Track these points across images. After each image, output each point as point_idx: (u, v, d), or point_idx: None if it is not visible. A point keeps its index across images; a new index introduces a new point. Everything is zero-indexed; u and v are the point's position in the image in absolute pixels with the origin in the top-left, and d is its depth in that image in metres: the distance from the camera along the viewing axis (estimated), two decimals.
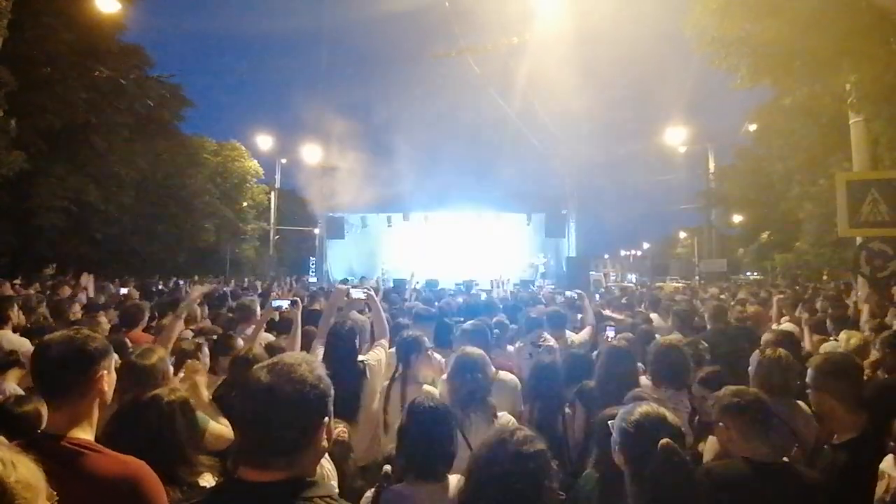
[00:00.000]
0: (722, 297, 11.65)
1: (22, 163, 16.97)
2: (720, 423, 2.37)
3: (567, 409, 3.59)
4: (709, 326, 5.47)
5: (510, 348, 5.20)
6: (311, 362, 1.49)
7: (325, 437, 1.46)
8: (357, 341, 3.95)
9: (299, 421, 1.39)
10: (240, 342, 4.25)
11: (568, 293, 8.45)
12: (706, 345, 5.01)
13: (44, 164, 19.99)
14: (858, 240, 8.67)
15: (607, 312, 7.39)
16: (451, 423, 2.41)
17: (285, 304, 4.55)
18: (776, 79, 8.26)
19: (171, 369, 2.97)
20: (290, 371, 1.41)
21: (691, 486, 1.89)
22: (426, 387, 3.59)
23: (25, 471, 1.13)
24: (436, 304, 7.33)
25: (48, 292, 9.62)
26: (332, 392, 1.49)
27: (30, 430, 2.39)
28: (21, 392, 3.26)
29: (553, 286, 19.13)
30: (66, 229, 21.39)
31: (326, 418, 1.46)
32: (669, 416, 2.02)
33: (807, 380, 2.73)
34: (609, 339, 4.48)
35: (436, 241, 26.87)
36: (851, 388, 2.67)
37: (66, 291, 8.80)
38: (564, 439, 3.41)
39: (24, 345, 4.78)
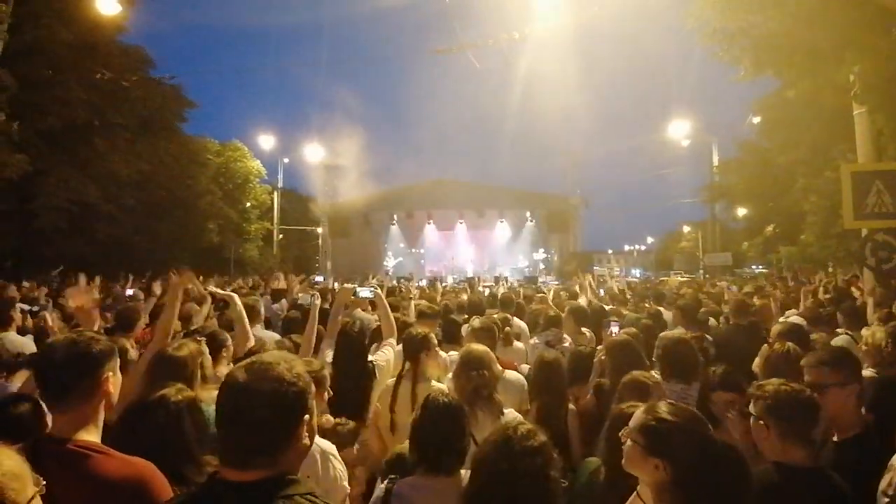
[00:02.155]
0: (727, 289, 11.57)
1: (25, 165, 17.03)
2: (759, 420, 2.21)
3: (571, 406, 3.59)
4: (731, 321, 5.41)
5: (519, 345, 5.18)
6: (290, 360, 1.50)
7: (307, 435, 1.46)
8: (366, 341, 3.95)
9: (277, 419, 1.39)
10: (228, 339, 4.24)
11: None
12: (710, 339, 4.98)
13: (46, 165, 20.05)
14: (863, 232, 8.64)
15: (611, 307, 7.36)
16: (464, 419, 2.43)
17: (307, 298, 4.47)
18: (779, 71, 8.22)
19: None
20: (267, 369, 1.42)
21: (748, 479, 1.78)
22: (435, 383, 3.57)
23: (11, 463, 1.18)
24: (440, 301, 7.33)
25: (55, 295, 9.64)
26: (313, 389, 1.50)
27: (28, 431, 2.40)
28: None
29: (557, 282, 19.10)
30: (69, 230, 21.45)
31: (307, 416, 1.45)
32: (693, 409, 1.95)
33: (806, 376, 2.61)
34: (613, 335, 4.46)
35: (439, 239, 26.90)
36: (856, 385, 2.63)
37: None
38: (567, 435, 3.40)
39: (28, 346, 4.81)
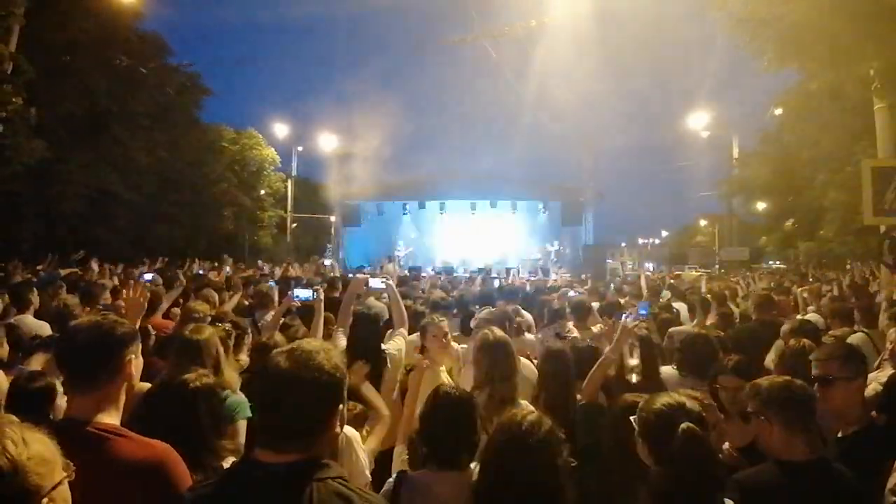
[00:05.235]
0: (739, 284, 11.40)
1: (43, 151, 17.17)
2: (760, 416, 2.22)
3: (579, 396, 3.58)
4: (754, 317, 5.30)
5: (529, 336, 5.18)
6: (329, 350, 1.54)
7: (339, 422, 1.52)
8: (380, 328, 3.96)
9: (315, 407, 1.45)
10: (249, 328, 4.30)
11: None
12: (721, 334, 4.92)
13: (65, 152, 20.23)
14: (882, 228, 8.51)
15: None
16: (475, 413, 2.38)
17: (308, 293, 4.47)
18: (802, 63, 8.08)
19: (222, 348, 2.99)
20: (309, 358, 1.46)
21: (713, 466, 1.86)
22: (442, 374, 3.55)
23: (39, 446, 1.12)
24: (454, 292, 7.33)
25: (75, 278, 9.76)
26: (347, 380, 1.55)
27: (43, 407, 2.46)
28: None
29: (569, 275, 18.94)
30: (89, 216, 21.70)
31: (340, 405, 1.52)
32: (688, 402, 2.01)
33: (815, 369, 2.61)
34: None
35: (451, 229, 26.84)
36: (861, 380, 2.62)
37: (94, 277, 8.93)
38: (573, 425, 3.40)
39: (43, 329, 4.86)
